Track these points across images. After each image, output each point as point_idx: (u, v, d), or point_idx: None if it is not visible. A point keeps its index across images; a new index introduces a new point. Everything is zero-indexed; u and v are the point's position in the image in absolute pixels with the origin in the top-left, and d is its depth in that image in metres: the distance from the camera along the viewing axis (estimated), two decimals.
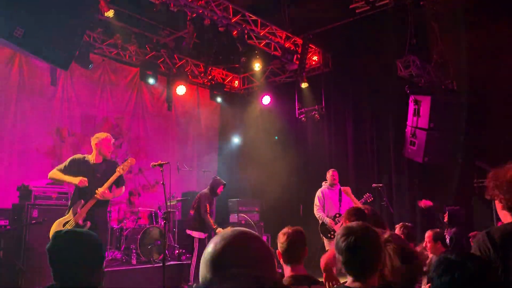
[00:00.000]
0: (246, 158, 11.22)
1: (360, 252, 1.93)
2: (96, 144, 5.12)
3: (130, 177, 9.37)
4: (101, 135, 5.25)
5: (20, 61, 7.91)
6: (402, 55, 7.12)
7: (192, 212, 7.35)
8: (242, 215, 9.22)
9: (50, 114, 8.33)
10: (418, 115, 7.02)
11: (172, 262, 7.38)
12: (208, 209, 7.20)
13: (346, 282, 2.01)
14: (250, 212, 9.46)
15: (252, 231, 1.18)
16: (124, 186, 5.22)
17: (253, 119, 11.06)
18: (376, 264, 1.98)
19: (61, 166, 4.96)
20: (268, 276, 1.06)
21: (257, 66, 9.69)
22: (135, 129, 9.66)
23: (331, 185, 7.28)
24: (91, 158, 5.08)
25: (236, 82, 11.30)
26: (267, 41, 8.87)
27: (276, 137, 9.79)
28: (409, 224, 4.40)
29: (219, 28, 7.77)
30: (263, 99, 10.30)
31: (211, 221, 7.16)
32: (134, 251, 7.21)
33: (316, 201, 7.25)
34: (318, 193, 7.30)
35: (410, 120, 7.22)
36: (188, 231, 7.26)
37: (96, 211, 4.85)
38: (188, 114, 10.80)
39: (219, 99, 10.32)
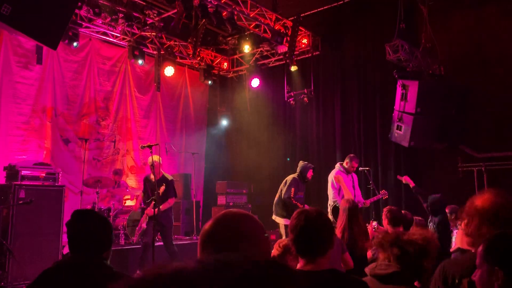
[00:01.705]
0: (234, 140, 11.26)
1: (309, 232, 1.98)
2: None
3: (117, 158, 9.35)
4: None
5: (5, 39, 7.75)
6: (391, 39, 7.14)
7: (276, 197, 7.22)
8: (230, 197, 9.29)
9: (36, 93, 8.21)
10: (405, 99, 7.10)
11: (160, 243, 7.42)
12: (292, 193, 6.92)
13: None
14: (238, 194, 9.54)
15: (244, 211, 1.21)
16: (172, 198, 6.65)
17: (242, 101, 11.05)
18: (326, 246, 2.01)
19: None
20: (258, 254, 1.10)
21: (246, 48, 9.63)
22: (123, 110, 9.59)
23: (348, 172, 7.07)
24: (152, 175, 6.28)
25: (225, 64, 11.24)
26: (256, 23, 8.82)
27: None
28: (394, 207, 4.47)
29: (209, 9, 7.68)
30: (252, 82, 10.28)
31: (298, 204, 6.79)
32: (122, 231, 7.25)
33: (334, 184, 6.99)
34: (337, 176, 6.98)
35: (398, 104, 7.29)
36: (273, 217, 7.16)
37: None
38: (176, 96, 10.74)
39: (207, 81, 10.27)
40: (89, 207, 7.38)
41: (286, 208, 6.96)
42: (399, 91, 7.26)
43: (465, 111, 7.47)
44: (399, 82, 7.23)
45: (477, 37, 7.57)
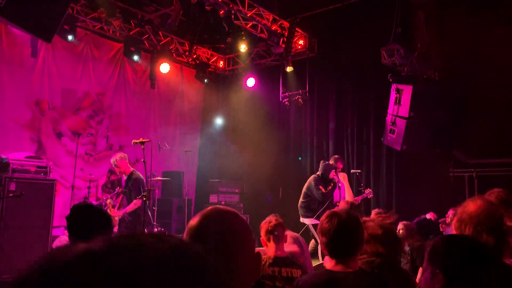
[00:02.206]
0: (228, 139, 11.26)
1: (343, 234, 2.01)
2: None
3: (109, 154, 9.31)
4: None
5: None
6: (387, 44, 7.18)
7: (300, 199, 7.17)
8: (222, 196, 9.29)
9: (30, 86, 8.16)
10: (399, 103, 7.14)
11: None
12: (323, 189, 6.89)
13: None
14: (231, 193, 9.54)
15: (231, 208, 1.21)
16: (139, 199, 6.01)
17: (237, 101, 11.04)
18: (357, 247, 2.05)
19: None
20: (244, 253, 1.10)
21: (242, 47, 9.63)
22: (117, 106, 9.55)
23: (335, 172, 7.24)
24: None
25: (221, 62, 11.23)
26: (253, 22, 8.82)
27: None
28: (383, 210, 4.50)
29: (206, 7, 7.68)
30: (247, 81, 10.28)
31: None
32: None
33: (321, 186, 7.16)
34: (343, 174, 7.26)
35: (391, 108, 7.33)
36: (301, 220, 7.09)
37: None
38: (171, 93, 10.71)
39: (203, 79, 10.26)
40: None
41: (311, 208, 6.97)
42: (393, 95, 7.30)
43: (458, 117, 7.53)
44: (393, 86, 7.27)
45: (472, 44, 7.61)
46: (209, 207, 1.20)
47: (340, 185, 7.09)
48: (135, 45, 8.81)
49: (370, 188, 7.39)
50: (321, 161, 7.49)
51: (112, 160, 6.13)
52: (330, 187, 6.95)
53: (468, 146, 7.47)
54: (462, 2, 7.75)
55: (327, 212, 2.15)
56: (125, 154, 6.32)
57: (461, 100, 7.56)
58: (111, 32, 9.11)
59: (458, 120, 7.49)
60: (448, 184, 7.49)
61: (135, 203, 5.95)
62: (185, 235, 1.14)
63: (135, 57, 8.88)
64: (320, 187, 6.94)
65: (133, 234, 0.53)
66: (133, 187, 5.93)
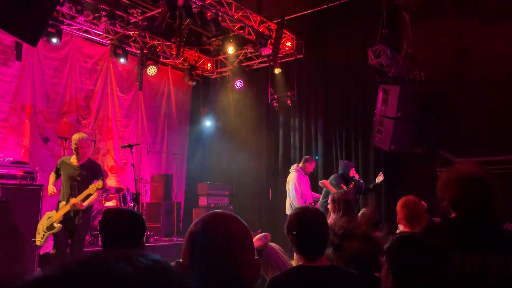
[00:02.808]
0: (217, 141, 11.25)
1: (311, 233, 2.04)
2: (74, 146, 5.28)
3: (97, 158, 9.24)
4: (74, 136, 5.38)
5: None
6: (373, 45, 7.24)
7: (321, 199, 7.19)
8: (212, 198, 9.27)
9: (15, 91, 8.06)
10: (386, 104, 7.21)
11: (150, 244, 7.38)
12: (344, 187, 6.93)
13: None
14: (220, 195, 9.53)
15: (231, 213, 1.22)
16: (102, 191, 5.52)
17: (225, 103, 11.05)
18: (326, 245, 2.09)
19: (55, 169, 5.45)
20: (246, 258, 1.11)
21: (230, 49, 9.66)
22: (104, 109, 9.48)
23: (306, 173, 7.39)
24: (73, 159, 5.34)
25: (209, 65, 11.23)
26: (241, 24, 8.83)
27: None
28: (371, 210, 4.55)
29: (193, 9, 7.67)
30: (235, 83, 10.29)
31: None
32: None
33: (297, 187, 7.29)
34: (297, 179, 7.35)
35: (379, 108, 7.40)
36: None
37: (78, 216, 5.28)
38: (159, 96, 10.67)
39: (191, 81, 10.24)
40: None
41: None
42: (380, 95, 7.37)
43: (445, 117, 7.62)
44: (381, 87, 7.34)
45: (458, 44, 7.73)
46: (210, 212, 1.20)
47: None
48: (122, 48, 8.76)
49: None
50: (340, 160, 7.70)
51: (76, 137, 5.26)
52: (352, 185, 7.02)
53: (454, 145, 7.57)
54: (446, 3, 7.87)
55: (293, 211, 2.17)
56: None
57: (447, 100, 7.66)
58: (97, 35, 9.05)
59: (445, 119, 7.59)
60: (436, 183, 7.57)
61: (99, 194, 5.48)
62: (186, 240, 1.13)
63: (121, 60, 8.83)
64: (342, 185, 7.03)
65: (101, 258, 0.47)
66: (98, 175, 5.35)
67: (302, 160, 7.73)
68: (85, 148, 5.31)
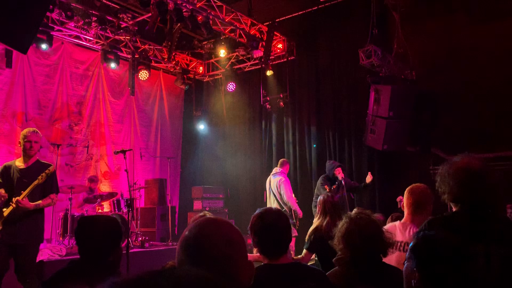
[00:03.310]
0: (210, 145, 11.24)
1: (273, 234, 2.08)
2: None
3: (91, 164, 9.21)
4: (24, 132, 4.60)
5: None
6: (364, 45, 7.29)
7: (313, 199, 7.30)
8: (207, 201, 9.26)
9: (6, 98, 8.01)
10: (378, 104, 7.26)
11: (135, 250, 7.34)
12: (328, 189, 6.99)
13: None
14: (215, 199, 9.52)
15: (224, 218, 1.23)
16: (56, 195, 4.71)
17: (218, 106, 11.06)
18: (287, 244, 2.14)
19: None
20: (238, 265, 1.11)
21: (222, 52, 9.67)
22: (96, 115, 9.45)
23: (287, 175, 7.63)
24: (19, 162, 4.61)
25: (201, 68, 11.23)
26: (232, 27, 8.85)
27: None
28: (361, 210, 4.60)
29: (184, 13, 7.67)
30: (228, 86, 10.30)
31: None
32: None
33: (290, 190, 7.47)
34: (287, 182, 7.52)
35: (371, 108, 7.45)
36: None
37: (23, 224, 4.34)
38: (151, 100, 10.65)
39: (183, 85, 10.23)
40: (61, 214, 7.23)
41: None
42: (372, 95, 7.42)
43: (437, 115, 7.68)
44: (372, 87, 7.39)
45: (448, 43, 7.80)
46: (203, 218, 1.21)
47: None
48: (113, 53, 8.74)
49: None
50: (327, 161, 7.78)
51: (28, 132, 4.56)
52: (334, 186, 7.05)
53: (446, 143, 7.62)
54: (435, 2, 7.94)
55: (257, 212, 2.21)
56: None
57: (439, 98, 7.72)
58: (87, 40, 9.03)
59: (436, 118, 7.65)
60: (429, 181, 7.61)
61: (53, 198, 4.67)
62: (179, 246, 1.14)
63: (112, 65, 8.81)
64: (326, 186, 7.11)
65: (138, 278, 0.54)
66: (53, 179, 4.70)
67: (283, 163, 7.81)
68: (40, 143, 4.65)
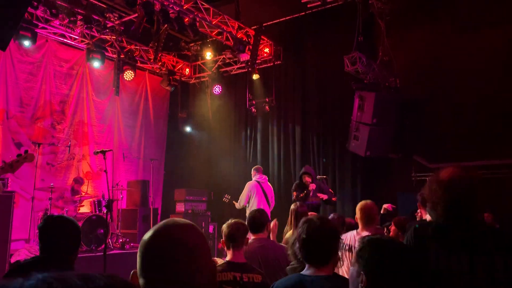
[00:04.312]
0: (195, 147, 11.22)
1: (313, 243, 2.06)
2: None
3: (72, 164, 9.12)
4: None
5: None
6: (350, 52, 7.37)
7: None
8: (190, 204, 9.24)
9: None
10: (362, 110, 7.33)
11: (115, 251, 7.29)
12: (294, 197, 7.09)
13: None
14: (198, 201, 9.49)
15: (186, 221, 1.21)
16: None
17: (204, 108, 11.05)
18: (331, 253, 2.10)
19: None
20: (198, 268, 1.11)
21: (208, 55, 9.68)
22: (80, 114, 9.37)
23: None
24: None
25: (187, 70, 11.22)
26: (219, 30, 8.87)
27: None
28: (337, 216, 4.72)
29: (170, 15, 7.67)
30: (214, 89, 10.31)
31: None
32: None
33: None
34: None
35: (355, 115, 7.52)
36: None
37: None
38: (136, 101, 10.60)
39: (169, 87, 10.20)
40: (40, 214, 7.14)
41: None
42: (356, 102, 7.50)
43: (419, 123, 7.80)
44: (357, 93, 7.47)
45: (432, 51, 7.92)
46: (163, 222, 1.20)
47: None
48: (98, 52, 8.69)
49: (335, 193, 7.59)
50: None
51: None
52: (302, 195, 7.05)
53: (428, 150, 7.74)
54: (420, 11, 8.06)
55: (303, 219, 2.21)
56: None
57: (422, 106, 7.83)
58: (72, 39, 8.96)
59: (419, 125, 7.76)
60: (411, 188, 7.72)
61: None
62: (138, 251, 1.14)
63: (98, 64, 8.76)
64: (294, 193, 7.17)
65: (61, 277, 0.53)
66: None
67: (260, 170, 7.93)
68: None
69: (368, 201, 3.85)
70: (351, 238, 3.72)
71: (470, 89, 7.49)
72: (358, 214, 3.78)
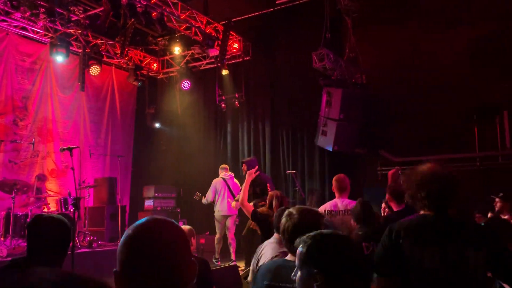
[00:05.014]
0: (163, 143, 11.18)
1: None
2: None
3: (36, 161, 8.93)
4: None
5: None
6: (318, 48, 7.53)
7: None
8: (158, 201, 9.22)
9: None
10: (330, 106, 7.52)
11: (82, 250, 7.22)
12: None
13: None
14: (167, 198, 9.49)
15: (166, 218, 1.23)
16: None
17: (173, 104, 11.01)
18: None
19: None
20: (180, 263, 1.16)
21: (177, 50, 9.64)
22: (43, 110, 9.17)
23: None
24: None
25: (155, 65, 11.14)
26: (187, 25, 8.86)
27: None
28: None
29: (137, 9, 7.61)
30: (183, 84, 10.28)
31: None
32: None
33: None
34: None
35: (323, 110, 7.70)
36: None
37: None
38: (102, 96, 10.46)
39: (136, 82, 10.11)
40: (3, 213, 6.98)
41: None
42: (324, 98, 7.68)
43: (385, 118, 8.06)
44: (325, 90, 7.65)
45: (398, 48, 8.17)
46: (144, 218, 1.21)
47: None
48: (63, 47, 8.50)
49: (303, 188, 7.78)
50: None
51: None
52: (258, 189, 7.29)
53: (394, 145, 8.02)
54: (387, 9, 8.30)
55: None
56: None
57: (387, 102, 8.09)
58: (35, 32, 8.75)
59: (385, 121, 8.02)
60: (376, 181, 7.99)
61: None
62: (120, 247, 1.15)
63: (60, 58, 8.55)
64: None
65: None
66: None
67: (226, 168, 8.16)
68: None
69: (342, 175, 4.74)
70: (331, 204, 4.49)
71: (436, 85, 7.79)
72: (333, 184, 4.60)
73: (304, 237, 1.59)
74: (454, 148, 7.64)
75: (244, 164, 7.63)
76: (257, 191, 7.10)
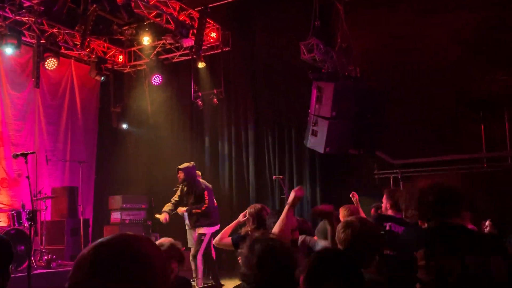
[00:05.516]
0: (132, 146, 11.10)
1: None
2: None
3: None
4: None
5: None
6: (306, 37, 7.56)
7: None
8: (126, 213, 9.15)
9: None
10: (320, 102, 7.55)
11: (40, 271, 7.11)
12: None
13: None
14: (136, 209, 9.43)
15: (136, 234, 1.25)
16: None
17: (142, 101, 10.92)
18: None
19: None
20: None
21: (146, 40, 9.58)
22: None
23: None
24: None
25: (121, 57, 11.05)
26: (158, 11, 8.83)
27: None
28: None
29: None
30: (153, 79, 10.23)
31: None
32: None
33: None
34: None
35: (313, 108, 7.73)
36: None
37: None
38: (60, 93, 10.34)
39: (99, 77, 10.01)
40: None
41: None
42: (314, 93, 7.71)
43: (381, 116, 8.14)
44: (314, 84, 7.68)
45: (393, 38, 8.28)
46: (116, 234, 1.23)
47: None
48: (13, 37, 8.37)
49: (288, 193, 7.84)
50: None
51: None
52: None
53: (392, 146, 8.11)
54: None
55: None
56: None
57: (384, 97, 8.18)
58: None
59: (382, 118, 8.10)
60: (374, 186, 8.08)
61: None
62: (74, 268, 1.15)
63: (13, 51, 8.43)
64: None
65: None
66: None
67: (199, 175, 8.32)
68: None
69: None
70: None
71: (435, 77, 7.92)
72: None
73: None
74: (458, 148, 7.78)
75: (180, 172, 7.86)
76: (192, 200, 7.71)
